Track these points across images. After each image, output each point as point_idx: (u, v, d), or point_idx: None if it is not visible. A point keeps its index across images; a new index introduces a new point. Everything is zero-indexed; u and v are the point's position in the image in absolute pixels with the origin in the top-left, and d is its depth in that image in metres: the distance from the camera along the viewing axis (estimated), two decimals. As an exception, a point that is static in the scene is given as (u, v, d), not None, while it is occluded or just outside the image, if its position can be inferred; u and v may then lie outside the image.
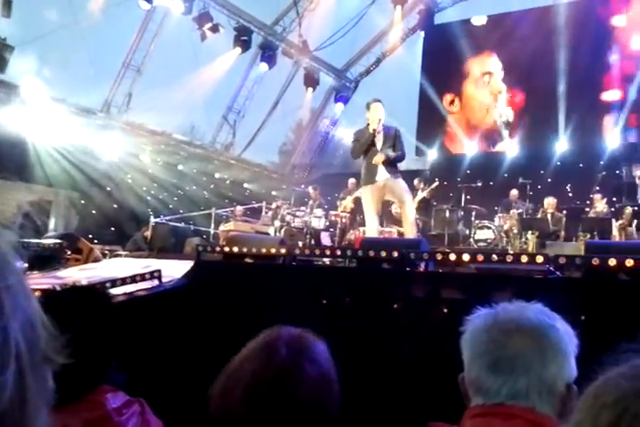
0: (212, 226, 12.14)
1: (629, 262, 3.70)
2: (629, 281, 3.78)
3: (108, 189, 13.19)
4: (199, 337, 4.67)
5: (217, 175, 15.95)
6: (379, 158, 6.60)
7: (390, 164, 6.68)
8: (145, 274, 5.56)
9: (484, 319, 1.28)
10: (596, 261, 3.75)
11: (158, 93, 14.42)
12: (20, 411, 0.48)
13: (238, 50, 14.45)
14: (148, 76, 13.92)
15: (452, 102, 15.42)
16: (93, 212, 12.94)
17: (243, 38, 14.34)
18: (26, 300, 0.51)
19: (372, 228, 6.72)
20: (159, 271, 5.72)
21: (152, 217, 11.79)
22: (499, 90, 14.86)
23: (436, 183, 10.64)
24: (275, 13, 15.53)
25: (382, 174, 6.63)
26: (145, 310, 5.02)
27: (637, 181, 9.99)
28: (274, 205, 12.17)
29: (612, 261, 3.73)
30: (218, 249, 6.00)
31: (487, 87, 15.02)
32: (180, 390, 4.04)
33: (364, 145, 6.73)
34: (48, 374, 0.54)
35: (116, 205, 13.25)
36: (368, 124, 6.76)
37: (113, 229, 12.92)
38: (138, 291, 5.44)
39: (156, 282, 5.55)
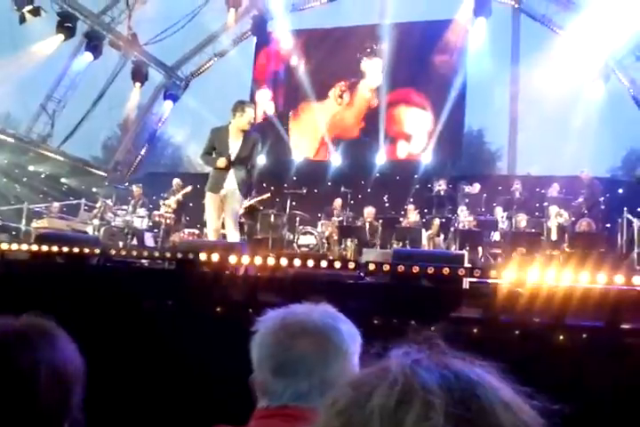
0: (24, 222, 11.28)
1: (430, 270, 4.01)
2: (430, 287, 4.09)
3: None
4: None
5: (31, 168, 14.86)
6: (221, 163, 6.26)
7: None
8: (-61, 273, 5.05)
9: (271, 321, 1.30)
10: (401, 268, 4.01)
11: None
12: None
13: (61, 36, 13.62)
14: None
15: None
16: None
17: (67, 25, 13.53)
18: None
19: (211, 229, 6.51)
20: (-44, 270, 5.23)
21: (-48, 210, 10.74)
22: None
23: (268, 194, 10.72)
24: (103, 2, 14.86)
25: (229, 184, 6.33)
26: None
27: (442, 194, 10.89)
28: (98, 204, 11.54)
29: (416, 269, 4.02)
30: (25, 248, 5.58)
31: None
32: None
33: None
34: None
35: None
36: (228, 125, 6.37)
37: None
38: None
39: (-48, 282, 5.06)
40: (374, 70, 15.06)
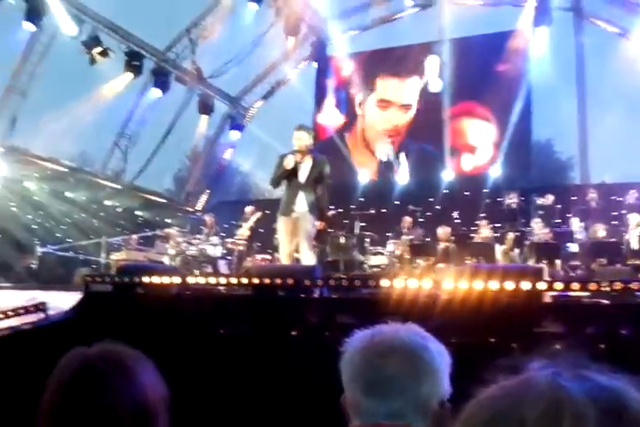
0: (104, 255, 11.71)
1: (509, 285, 3.92)
2: (510, 302, 4.00)
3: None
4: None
5: (107, 203, 15.46)
6: (290, 161, 6.30)
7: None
8: (29, 307, 5.30)
9: (359, 342, 1.31)
10: (478, 285, 3.94)
11: (45, 118, 13.90)
12: None
13: (130, 75, 14.20)
14: (35, 100, 13.38)
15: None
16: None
17: (134, 63, 14.10)
18: None
19: (284, 253, 6.55)
20: (44, 304, 5.47)
21: (38, 247, 11.25)
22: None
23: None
24: (168, 39, 15.46)
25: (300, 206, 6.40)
26: (30, 344, 4.77)
27: (514, 207, 10.65)
28: (164, 232, 11.94)
29: (494, 284, 3.94)
30: (108, 279, 5.79)
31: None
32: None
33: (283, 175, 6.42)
34: None
35: (-2, 235, 12.54)
36: (295, 151, 6.44)
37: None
38: (22, 325, 5.17)
39: (41, 315, 5.30)
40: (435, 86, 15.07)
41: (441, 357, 1.29)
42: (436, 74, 14.88)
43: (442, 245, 10.41)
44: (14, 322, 5.20)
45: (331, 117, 16.20)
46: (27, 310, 5.35)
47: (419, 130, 14.96)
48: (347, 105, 16.08)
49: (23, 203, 13.06)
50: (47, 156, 13.60)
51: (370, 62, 15.99)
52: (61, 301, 5.85)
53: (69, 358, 1.27)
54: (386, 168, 15.12)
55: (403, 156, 15.03)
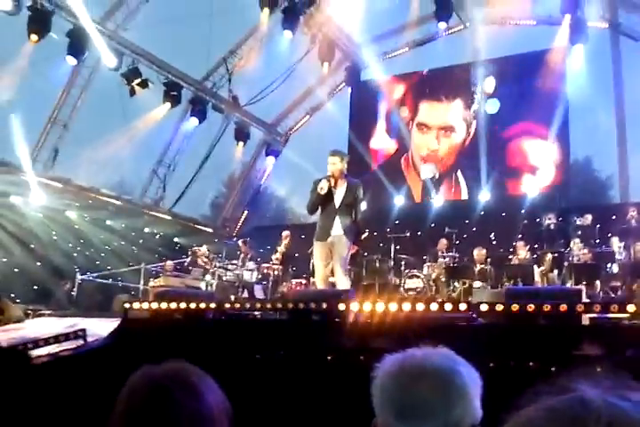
0: (142, 282, 11.86)
1: (547, 307, 3.86)
2: (547, 325, 3.93)
3: (32, 246, 12.78)
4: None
5: (146, 230, 15.72)
6: (324, 185, 6.33)
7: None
8: (69, 333, 5.41)
9: (390, 365, 1.31)
10: (515, 307, 3.89)
11: (86, 149, 14.28)
12: None
13: (168, 105, 14.53)
14: (76, 131, 13.78)
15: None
16: (15, 270, 12.46)
17: (172, 93, 14.43)
18: None
19: (319, 278, 6.56)
20: (84, 330, 5.57)
21: (78, 274, 11.46)
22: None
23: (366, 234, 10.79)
24: (205, 69, 15.80)
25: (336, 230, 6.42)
26: (69, 370, 4.85)
27: (552, 228, 10.46)
28: (191, 251, 12.21)
29: (531, 307, 3.88)
30: (145, 306, 5.87)
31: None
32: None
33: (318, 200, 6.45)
34: None
35: (39, 263, 12.81)
36: (329, 176, 6.45)
37: (36, 287, 12.46)
38: (62, 351, 5.27)
39: (80, 341, 5.40)
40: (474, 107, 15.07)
41: (472, 380, 1.29)
42: (490, 94, 14.86)
43: (478, 268, 10.29)
44: (54, 349, 5.30)
45: (382, 142, 16.22)
46: (67, 337, 5.45)
47: (473, 152, 14.72)
48: (398, 129, 16.09)
49: (64, 231, 13.36)
50: (88, 185, 13.95)
51: (414, 85, 16.14)
52: (100, 327, 5.96)
53: (137, 378, 1.31)
54: (431, 187, 15.07)
55: (459, 174, 14.97)
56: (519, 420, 0.63)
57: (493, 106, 14.82)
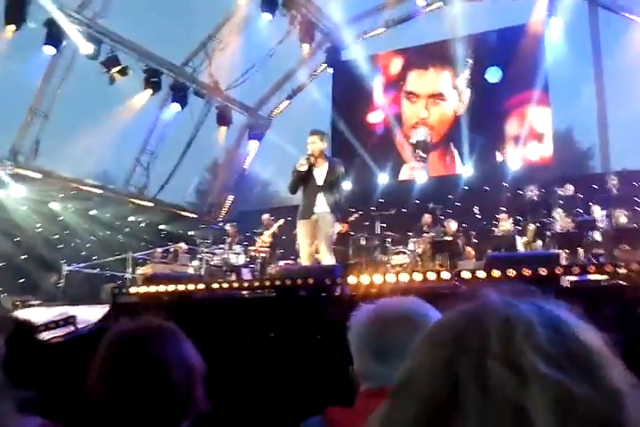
0: (130, 270, 11.84)
1: (527, 272, 3.93)
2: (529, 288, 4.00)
3: (17, 239, 12.71)
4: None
5: (131, 218, 15.65)
6: (303, 161, 6.44)
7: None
8: (59, 321, 5.42)
9: (365, 314, 1.41)
10: (496, 273, 3.96)
11: (67, 139, 14.16)
12: None
13: (149, 91, 14.39)
14: (56, 121, 13.64)
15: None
16: (1, 264, 12.40)
17: (153, 80, 14.28)
18: None
19: (304, 256, 6.60)
20: (74, 317, 5.59)
21: (65, 265, 11.43)
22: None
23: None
24: (184, 54, 15.66)
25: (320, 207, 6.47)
26: (60, 356, 4.87)
27: (535, 199, 10.57)
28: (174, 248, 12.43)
29: (512, 271, 3.95)
30: (133, 290, 5.89)
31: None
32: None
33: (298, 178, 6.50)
34: None
35: (25, 255, 12.75)
36: (309, 155, 6.49)
37: (23, 279, 12.41)
38: (53, 338, 5.28)
39: (71, 328, 5.42)
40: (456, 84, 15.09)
41: None
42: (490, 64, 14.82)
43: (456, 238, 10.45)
44: (46, 336, 5.31)
45: (378, 116, 16.19)
46: (57, 324, 5.47)
47: (474, 121, 14.64)
48: (366, 108, 16.15)
49: (48, 223, 13.28)
50: (71, 176, 13.84)
51: (387, 64, 16.22)
52: (90, 314, 5.98)
53: (113, 331, 1.39)
54: (421, 150, 15.10)
55: (451, 146, 14.98)
56: (435, 323, 0.69)
57: (494, 75, 14.80)
